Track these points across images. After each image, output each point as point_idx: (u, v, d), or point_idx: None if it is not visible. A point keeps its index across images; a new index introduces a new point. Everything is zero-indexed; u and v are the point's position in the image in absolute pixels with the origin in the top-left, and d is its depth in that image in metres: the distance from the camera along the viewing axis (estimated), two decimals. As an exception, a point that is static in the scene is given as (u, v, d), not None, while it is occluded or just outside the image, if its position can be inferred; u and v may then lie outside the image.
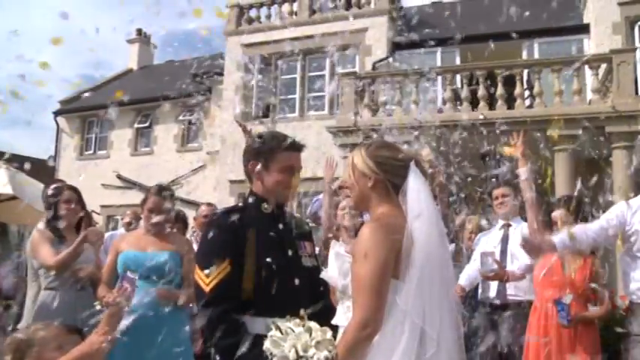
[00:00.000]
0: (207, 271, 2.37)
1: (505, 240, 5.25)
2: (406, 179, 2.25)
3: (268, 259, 2.39)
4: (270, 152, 2.57)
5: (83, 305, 4.19)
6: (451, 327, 2.16)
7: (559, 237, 3.80)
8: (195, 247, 4.93)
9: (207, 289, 2.35)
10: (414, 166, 2.28)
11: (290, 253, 2.51)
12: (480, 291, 5.33)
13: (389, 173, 2.27)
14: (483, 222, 6.29)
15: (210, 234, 2.47)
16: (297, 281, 2.44)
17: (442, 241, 2.26)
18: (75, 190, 4.60)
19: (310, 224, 3.53)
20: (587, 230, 3.84)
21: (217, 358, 2.30)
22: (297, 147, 2.63)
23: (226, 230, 2.42)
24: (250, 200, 2.61)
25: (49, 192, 4.54)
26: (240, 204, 2.67)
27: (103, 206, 18.91)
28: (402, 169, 2.27)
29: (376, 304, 2.05)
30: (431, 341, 2.07)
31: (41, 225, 4.51)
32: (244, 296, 2.38)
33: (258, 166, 2.58)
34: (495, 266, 4.86)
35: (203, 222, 5.89)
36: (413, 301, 2.07)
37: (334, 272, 4.06)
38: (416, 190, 2.23)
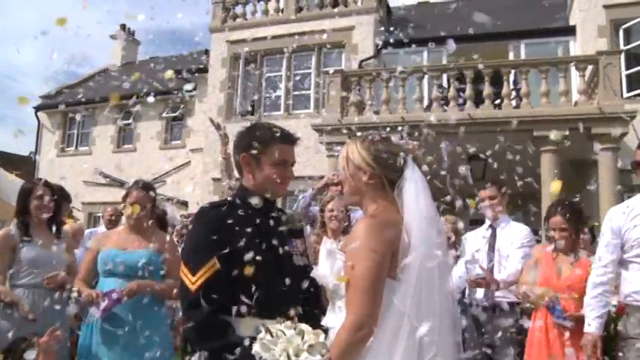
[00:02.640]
0: (193, 270, 2.23)
1: (492, 239, 5.19)
2: (402, 175, 2.15)
3: (258, 257, 2.24)
4: (263, 145, 2.42)
5: (50, 306, 4.09)
6: (449, 329, 2.08)
7: (594, 319, 3.81)
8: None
9: (193, 288, 2.21)
10: (411, 162, 2.19)
11: (281, 251, 2.36)
12: (467, 292, 5.25)
13: (385, 168, 2.17)
14: (460, 224, 6.25)
15: (197, 230, 2.34)
16: (287, 281, 2.29)
17: (440, 240, 2.16)
18: (49, 186, 4.44)
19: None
20: (606, 273, 3.84)
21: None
22: (291, 139, 2.50)
23: (214, 226, 2.28)
24: (240, 195, 2.48)
25: (22, 187, 4.42)
26: (229, 198, 2.51)
27: (84, 203, 18.68)
28: (399, 164, 2.17)
29: (371, 304, 1.95)
30: (429, 344, 1.97)
31: (13, 224, 4.36)
32: (232, 296, 2.22)
33: (250, 160, 2.44)
34: (481, 272, 4.80)
35: None
36: (411, 302, 1.98)
37: (325, 270, 3.91)
38: (413, 186, 2.13)
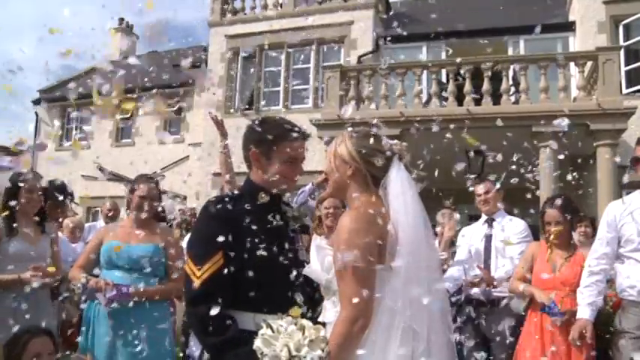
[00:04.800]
0: (198, 264, 2.22)
1: (489, 234, 5.19)
2: (387, 173, 2.19)
3: (263, 253, 2.23)
4: (274, 141, 2.39)
5: (38, 300, 4.07)
6: (441, 324, 2.10)
7: (585, 305, 3.88)
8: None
9: (197, 282, 2.20)
10: (397, 161, 2.22)
11: (286, 245, 2.36)
12: (463, 287, 5.25)
13: (370, 164, 2.21)
14: (457, 216, 6.24)
15: (203, 224, 2.32)
16: (292, 276, 2.29)
17: (428, 239, 2.20)
18: (39, 179, 4.37)
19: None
20: (599, 264, 3.90)
21: (205, 355, 2.19)
22: (302, 136, 2.47)
23: (220, 220, 2.27)
24: (247, 189, 2.46)
25: (11, 179, 4.29)
26: (236, 192, 2.49)
27: (82, 197, 18.65)
28: (384, 162, 2.21)
29: (365, 294, 1.97)
30: (420, 338, 2.00)
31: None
32: (237, 290, 2.22)
33: (260, 155, 2.42)
34: (479, 272, 4.82)
35: None
36: (402, 297, 2.01)
37: (317, 267, 3.92)
38: (399, 184, 2.16)
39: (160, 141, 19.23)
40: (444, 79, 12.81)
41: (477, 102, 11.26)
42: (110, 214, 7.41)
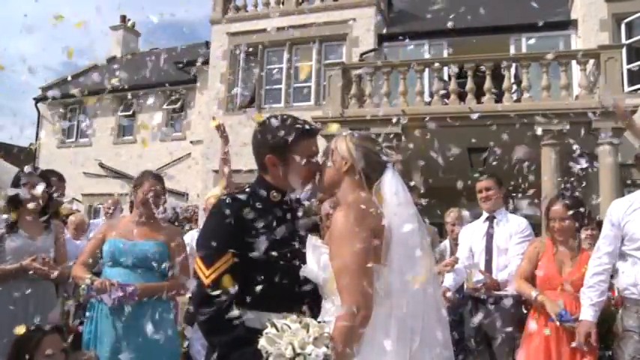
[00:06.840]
0: (207, 264, 2.21)
1: (490, 233, 5.17)
2: (381, 177, 2.25)
3: (273, 252, 2.21)
4: (288, 145, 2.33)
5: (38, 296, 4.07)
6: (436, 320, 2.13)
7: (588, 306, 3.85)
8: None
9: (207, 281, 2.19)
10: (391, 166, 2.29)
11: (297, 244, 2.34)
12: (465, 285, 5.24)
13: (366, 164, 2.26)
14: (465, 213, 6.21)
15: (214, 222, 2.30)
16: (302, 275, 2.27)
17: (423, 239, 2.22)
18: (44, 176, 4.36)
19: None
20: (602, 264, 3.87)
21: (212, 354, 2.19)
22: (314, 132, 2.44)
23: (231, 219, 2.25)
24: (259, 188, 2.43)
25: (15, 177, 4.31)
26: (248, 189, 2.46)
27: (84, 195, 18.69)
28: (379, 166, 2.28)
29: (364, 286, 1.99)
30: (415, 333, 2.04)
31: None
32: (246, 289, 2.19)
33: (276, 160, 2.37)
34: (482, 277, 4.80)
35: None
36: (397, 292, 2.05)
37: (313, 266, 3.92)
38: (394, 187, 2.22)
39: (162, 138, 19.24)
40: (445, 77, 12.79)
41: (479, 100, 11.26)
42: (112, 212, 7.40)
